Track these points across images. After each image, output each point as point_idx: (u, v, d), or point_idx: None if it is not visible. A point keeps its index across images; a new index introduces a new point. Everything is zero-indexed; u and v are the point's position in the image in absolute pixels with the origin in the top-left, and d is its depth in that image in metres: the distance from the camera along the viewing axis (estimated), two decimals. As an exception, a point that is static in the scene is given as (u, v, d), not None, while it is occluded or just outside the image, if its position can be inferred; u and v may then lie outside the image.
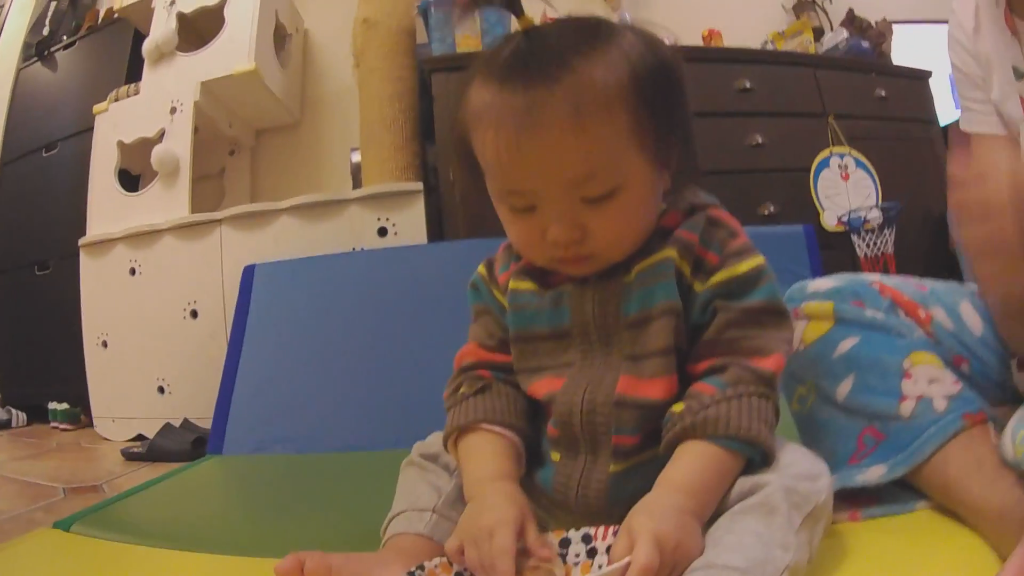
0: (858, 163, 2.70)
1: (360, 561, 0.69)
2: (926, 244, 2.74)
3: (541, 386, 0.74)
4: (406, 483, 0.80)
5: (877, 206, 2.65)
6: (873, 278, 0.92)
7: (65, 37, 3.46)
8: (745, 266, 0.70)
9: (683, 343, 0.70)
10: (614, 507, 0.67)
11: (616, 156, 0.65)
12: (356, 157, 2.69)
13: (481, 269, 0.83)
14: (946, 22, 1.06)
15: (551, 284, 0.75)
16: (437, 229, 2.45)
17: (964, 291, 0.91)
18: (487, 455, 0.73)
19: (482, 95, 0.67)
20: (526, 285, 0.75)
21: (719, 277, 0.70)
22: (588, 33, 0.67)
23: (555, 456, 0.74)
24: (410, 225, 2.36)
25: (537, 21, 0.68)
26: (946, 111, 2.90)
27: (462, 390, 0.78)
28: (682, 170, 0.72)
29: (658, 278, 0.69)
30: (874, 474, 0.80)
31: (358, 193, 2.42)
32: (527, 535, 0.61)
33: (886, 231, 2.64)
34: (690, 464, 0.64)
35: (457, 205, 2.37)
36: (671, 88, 0.69)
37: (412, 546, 0.72)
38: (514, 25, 0.69)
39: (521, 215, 0.68)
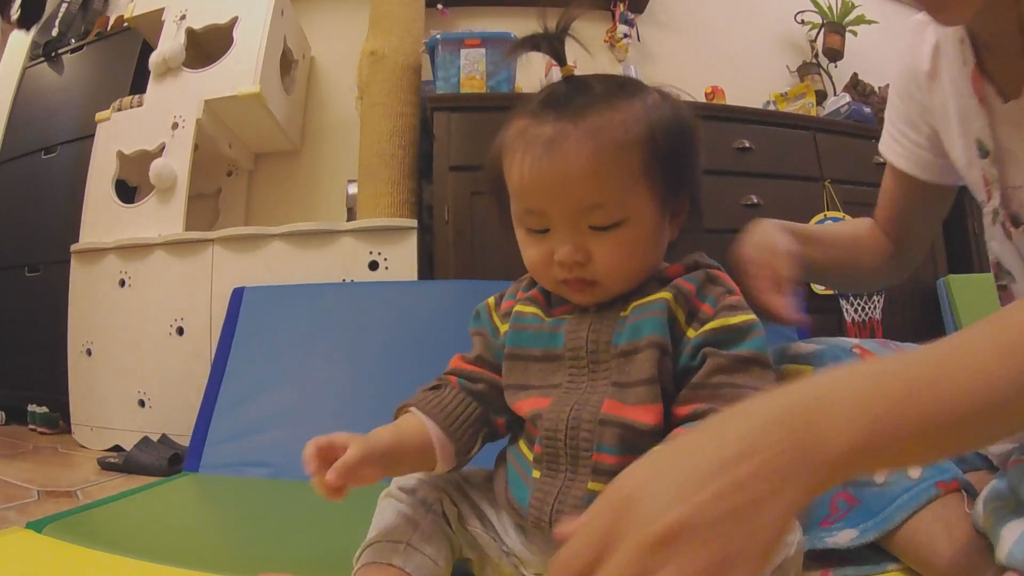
0: (851, 228, 2.71)
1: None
2: (915, 312, 2.76)
3: (527, 404, 0.79)
4: (382, 514, 0.81)
5: (867, 272, 2.66)
6: (853, 342, 0.94)
7: (73, 40, 3.46)
8: (738, 319, 0.74)
9: (668, 381, 0.73)
10: None
11: (625, 192, 0.73)
12: (352, 189, 2.70)
13: (490, 300, 0.91)
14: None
15: (554, 313, 0.81)
16: (428, 267, 2.46)
17: None
18: (395, 425, 0.80)
19: (518, 124, 0.76)
20: (531, 310, 0.83)
21: (712, 325, 0.73)
22: (619, 86, 0.76)
23: (536, 474, 0.76)
24: (402, 261, 2.36)
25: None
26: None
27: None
28: (688, 226, 0.80)
29: (651, 314, 0.74)
30: (845, 537, 0.82)
31: (352, 225, 2.42)
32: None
33: (875, 297, 2.66)
34: None
35: (449, 245, 2.38)
36: (685, 147, 0.77)
37: (381, 574, 0.73)
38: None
39: (535, 236, 0.77)
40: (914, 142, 1.04)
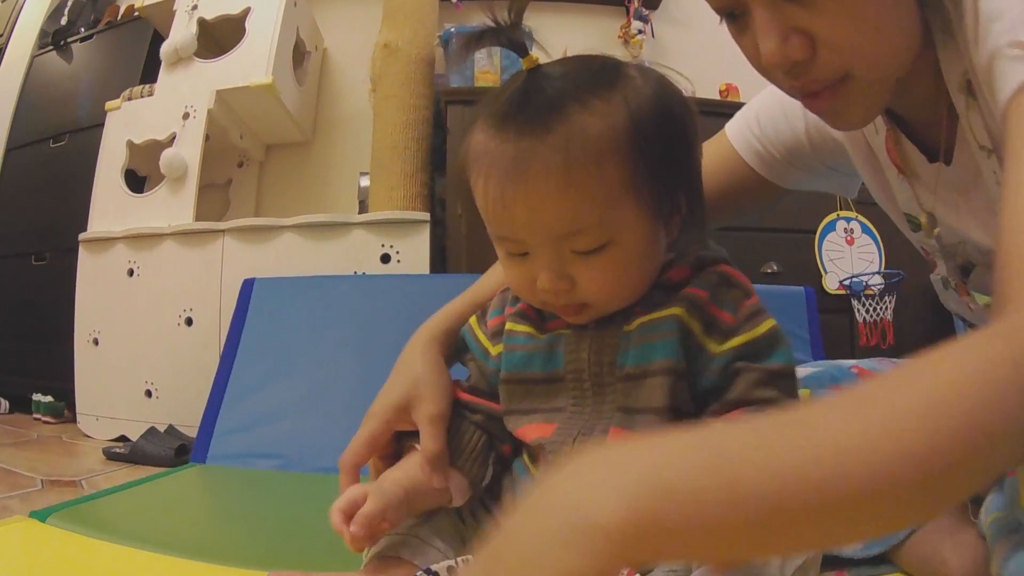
0: (864, 228, 2.71)
1: None
2: (926, 315, 2.75)
3: (530, 431, 0.73)
4: None
5: (879, 272, 2.66)
6: (851, 363, 0.93)
7: (83, 29, 3.44)
8: (763, 327, 0.68)
9: (684, 403, 0.67)
10: None
11: (606, 211, 0.63)
12: (364, 182, 2.69)
13: (471, 319, 0.84)
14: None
15: (548, 328, 0.74)
16: (440, 261, 2.45)
17: None
18: (405, 466, 0.77)
19: (479, 139, 0.67)
20: (522, 328, 0.76)
21: (740, 339, 0.67)
22: (592, 77, 0.66)
23: None
24: (413, 254, 2.36)
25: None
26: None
27: None
28: (689, 221, 0.71)
29: (660, 334, 0.67)
30: (848, 548, 0.82)
31: (364, 217, 2.41)
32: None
33: (887, 298, 2.65)
34: None
35: (461, 239, 2.37)
36: (675, 138, 0.68)
37: (391, 568, 0.73)
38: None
39: (515, 259, 0.68)
40: (774, 148, 0.98)
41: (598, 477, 0.42)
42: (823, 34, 0.61)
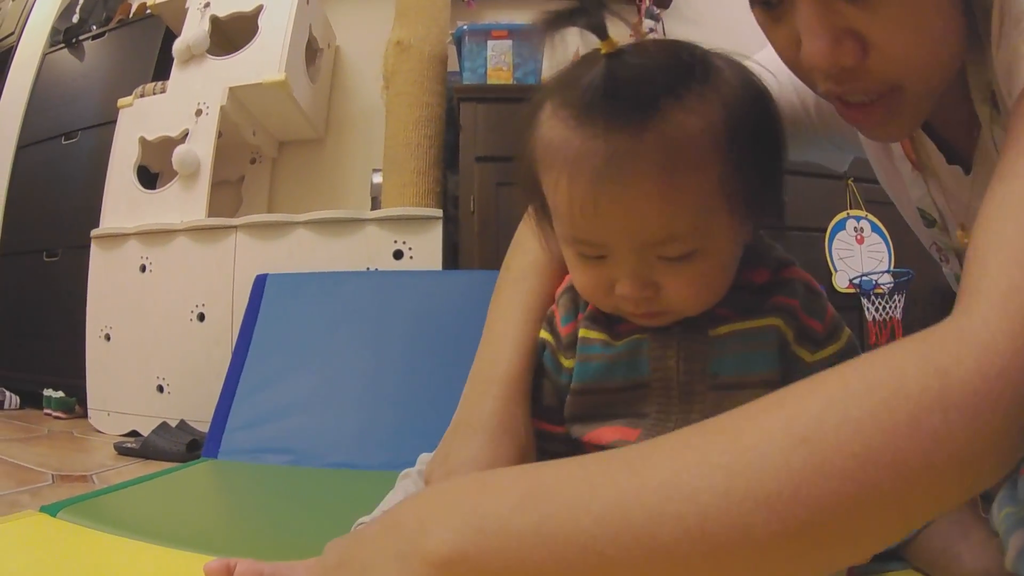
0: (874, 227, 2.71)
1: (291, 569, 0.70)
2: (935, 314, 2.73)
3: (608, 433, 0.69)
4: (393, 494, 0.78)
5: (889, 271, 2.66)
6: None
7: (94, 27, 3.46)
8: (845, 336, 0.69)
9: None
10: None
11: (701, 219, 0.59)
12: (377, 178, 2.70)
13: (543, 333, 0.75)
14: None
15: (622, 333, 0.69)
16: (452, 257, 2.46)
17: None
18: None
19: (555, 129, 0.60)
20: (596, 335, 0.70)
21: (832, 349, 0.68)
22: (682, 69, 0.59)
23: None
24: (426, 250, 2.36)
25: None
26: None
27: None
28: (766, 225, 0.67)
29: (759, 345, 0.65)
30: None
31: (377, 214, 2.42)
32: None
33: (896, 297, 2.65)
34: None
35: (474, 236, 2.38)
36: (768, 139, 0.63)
37: None
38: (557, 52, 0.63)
39: (589, 262, 0.63)
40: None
41: (437, 510, 0.44)
42: (879, 40, 0.55)
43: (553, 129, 0.60)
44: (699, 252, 0.60)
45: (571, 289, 0.73)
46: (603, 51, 0.57)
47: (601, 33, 0.58)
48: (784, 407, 0.40)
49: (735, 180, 0.59)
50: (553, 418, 0.74)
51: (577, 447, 0.73)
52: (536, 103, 0.64)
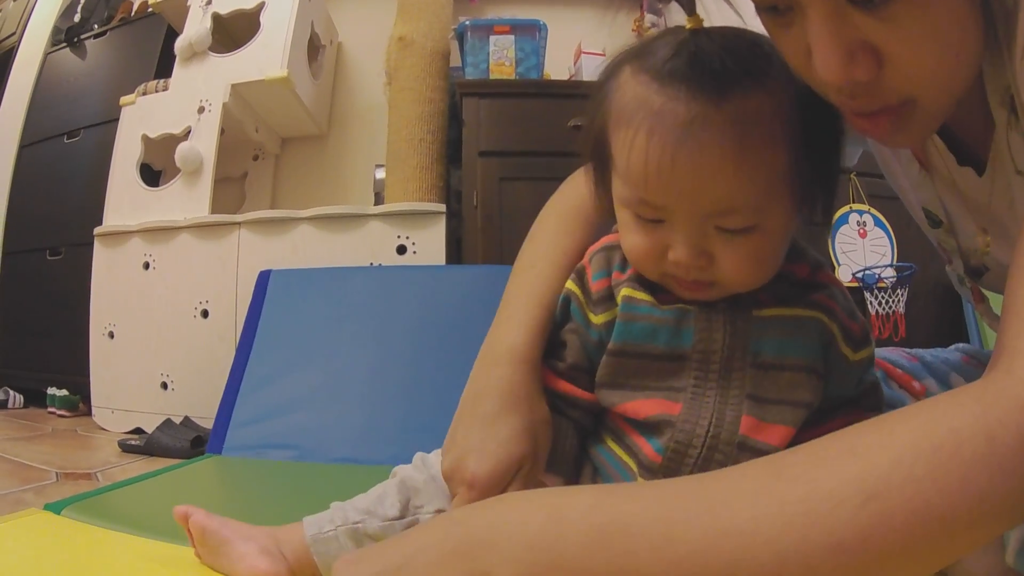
0: (877, 221, 2.71)
1: (233, 529, 0.72)
2: (937, 308, 2.75)
3: (648, 406, 0.68)
4: (376, 487, 0.80)
5: (892, 265, 2.66)
6: None
7: (96, 26, 3.46)
8: (873, 343, 0.71)
9: (816, 403, 0.67)
10: None
11: (764, 197, 0.61)
12: (380, 174, 2.70)
13: (572, 286, 0.75)
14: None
15: (667, 300, 0.69)
16: (455, 252, 2.46)
17: (952, 359, 0.92)
18: None
19: (635, 89, 0.61)
20: (643, 296, 0.69)
21: (868, 352, 0.70)
22: (758, 51, 0.61)
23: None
24: (430, 246, 2.36)
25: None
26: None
27: None
28: (812, 219, 0.67)
29: (802, 333, 0.66)
30: None
31: (380, 209, 2.42)
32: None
33: (899, 291, 2.65)
34: None
35: (477, 231, 2.38)
36: (836, 132, 0.65)
37: (289, 539, 0.76)
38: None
39: (645, 224, 0.64)
40: None
41: (503, 540, 0.43)
42: (894, 53, 0.53)
43: (634, 89, 0.62)
44: (757, 229, 0.62)
45: (605, 248, 0.74)
46: (689, 26, 0.61)
47: (689, 9, 0.61)
48: (857, 458, 0.43)
49: (798, 168, 0.61)
50: (579, 380, 0.74)
51: (602, 417, 0.74)
52: (612, 68, 0.66)
